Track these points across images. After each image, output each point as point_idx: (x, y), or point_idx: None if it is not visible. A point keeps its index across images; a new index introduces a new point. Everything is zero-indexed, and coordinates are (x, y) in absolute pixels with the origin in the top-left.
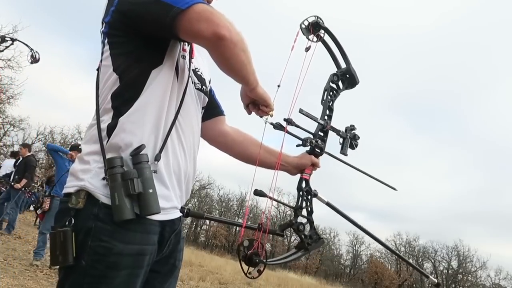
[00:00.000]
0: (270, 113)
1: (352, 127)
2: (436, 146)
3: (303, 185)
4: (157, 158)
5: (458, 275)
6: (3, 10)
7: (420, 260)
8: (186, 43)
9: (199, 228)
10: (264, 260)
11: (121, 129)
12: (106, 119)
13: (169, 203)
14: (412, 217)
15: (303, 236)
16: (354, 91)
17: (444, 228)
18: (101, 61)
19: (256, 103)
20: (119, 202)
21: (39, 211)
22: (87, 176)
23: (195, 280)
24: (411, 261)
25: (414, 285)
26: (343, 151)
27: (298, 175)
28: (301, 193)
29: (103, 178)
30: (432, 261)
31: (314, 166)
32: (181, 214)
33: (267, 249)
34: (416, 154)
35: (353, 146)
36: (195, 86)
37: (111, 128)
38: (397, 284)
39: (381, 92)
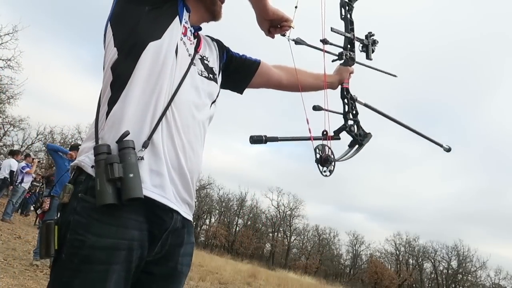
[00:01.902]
0: (291, 25)
1: (371, 34)
2: (436, 147)
3: (345, 93)
4: (145, 145)
5: (458, 275)
6: (5, 10)
7: (420, 260)
8: (188, 27)
9: (199, 228)
10: (335, 159)
11: (111, 116)
12: (103, 103)
13: (159, 179)
14: (412, 217)
15: (354, 135)
16: (361, 93)
17: (444, 228)
18: (104, 51)
19: (274, 24)
20: (100, 187)
21: (39, 211)
22: (87, 153)
23: (195, 280)
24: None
25: (414, 285)
26: (369, 57)
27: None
28: (345, 100)
29: (92, 166)
30: (432, 261)
31: (350, 74)
32: (175, 208)
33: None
34: (416, 156)
35: (372, 51)
36: (202, 74)
37: (105, 115)
38: (397, 284)
39: (383, 94)
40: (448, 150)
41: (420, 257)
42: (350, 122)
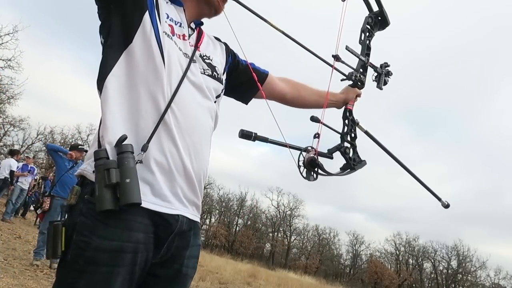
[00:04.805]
0: None
1: (386, 64)
2: (437, 149)
3: (348, 114)
4: (144, 148)
5: (458, 275)
6: (7, 11)
7: (420, 259)
8: (176, 24)
9: None
10: (319, 171)
11: (104, 119)
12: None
13: (154, 190)
14: (412, 218)
15: (348, 158)
16: (365, 97)
17: (443, 228)
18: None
19: None
20: (99, 193)
21: (39, 211)
22: (89, 160)
23: (195, 280)
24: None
25: (414, 285)
26: (379, 86)
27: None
28: (346, 121)
29: (93, 171)
30: (432, 261)
31: (357, 97)
32: (179, 214)
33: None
34: (417, 158)
35: (385, 82)
36: (204, 72)
37: (103, 121)
38: (396, 284)
39: (385, 96)
40: (447, 206)
41: (420, 257)
42: (347, 144)
